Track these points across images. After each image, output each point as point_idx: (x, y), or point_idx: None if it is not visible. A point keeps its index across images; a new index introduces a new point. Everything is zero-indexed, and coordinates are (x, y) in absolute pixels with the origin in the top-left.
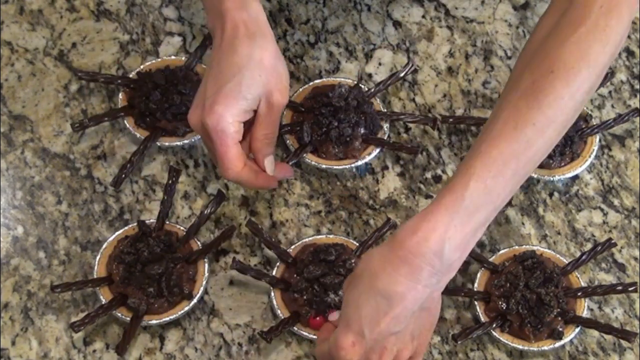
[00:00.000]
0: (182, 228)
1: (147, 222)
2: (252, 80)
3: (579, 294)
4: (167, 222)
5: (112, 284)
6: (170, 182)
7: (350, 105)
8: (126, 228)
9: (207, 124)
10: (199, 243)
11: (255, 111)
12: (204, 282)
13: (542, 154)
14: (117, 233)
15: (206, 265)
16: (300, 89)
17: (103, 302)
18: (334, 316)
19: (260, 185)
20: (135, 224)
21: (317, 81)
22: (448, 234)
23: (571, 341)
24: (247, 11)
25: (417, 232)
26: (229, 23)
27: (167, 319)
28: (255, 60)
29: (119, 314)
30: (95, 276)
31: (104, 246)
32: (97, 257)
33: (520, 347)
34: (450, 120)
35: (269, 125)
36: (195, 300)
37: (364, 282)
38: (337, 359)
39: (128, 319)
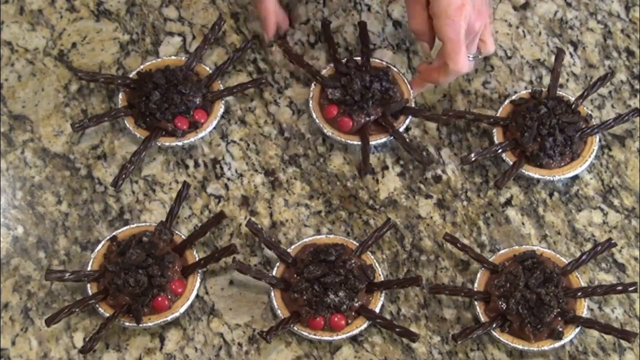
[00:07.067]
0: (179, 233)
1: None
2: None
3: (579, 294)
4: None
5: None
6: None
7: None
8: (124, 229)
9: None
10: (196, 256)
11: None
12: (198, 279)
13: None
14: (116, 232)
15: (196, 255)
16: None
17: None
18: None
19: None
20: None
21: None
22: None
23: (571, 341)
24: None
25: None
26: None
27: (167, 318)
28: None
29: (119, 320)
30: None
31: (97, 248)
32: (92, 255)
33: (520, 347)
34: (450, 114)
35: None
36: (192, 298)
37: None
38: (451, 17)
39: (127, 323)
